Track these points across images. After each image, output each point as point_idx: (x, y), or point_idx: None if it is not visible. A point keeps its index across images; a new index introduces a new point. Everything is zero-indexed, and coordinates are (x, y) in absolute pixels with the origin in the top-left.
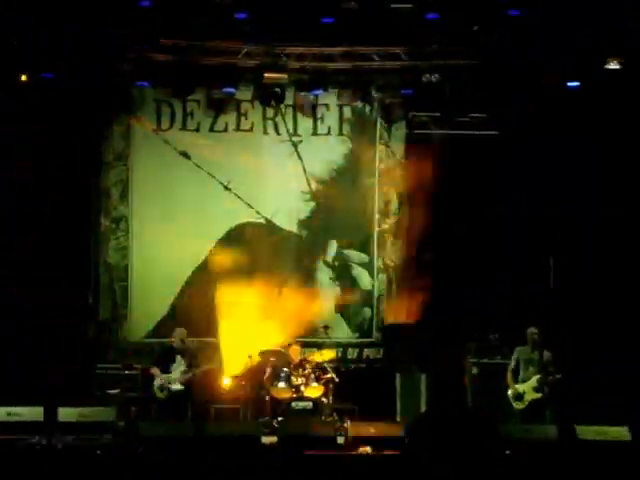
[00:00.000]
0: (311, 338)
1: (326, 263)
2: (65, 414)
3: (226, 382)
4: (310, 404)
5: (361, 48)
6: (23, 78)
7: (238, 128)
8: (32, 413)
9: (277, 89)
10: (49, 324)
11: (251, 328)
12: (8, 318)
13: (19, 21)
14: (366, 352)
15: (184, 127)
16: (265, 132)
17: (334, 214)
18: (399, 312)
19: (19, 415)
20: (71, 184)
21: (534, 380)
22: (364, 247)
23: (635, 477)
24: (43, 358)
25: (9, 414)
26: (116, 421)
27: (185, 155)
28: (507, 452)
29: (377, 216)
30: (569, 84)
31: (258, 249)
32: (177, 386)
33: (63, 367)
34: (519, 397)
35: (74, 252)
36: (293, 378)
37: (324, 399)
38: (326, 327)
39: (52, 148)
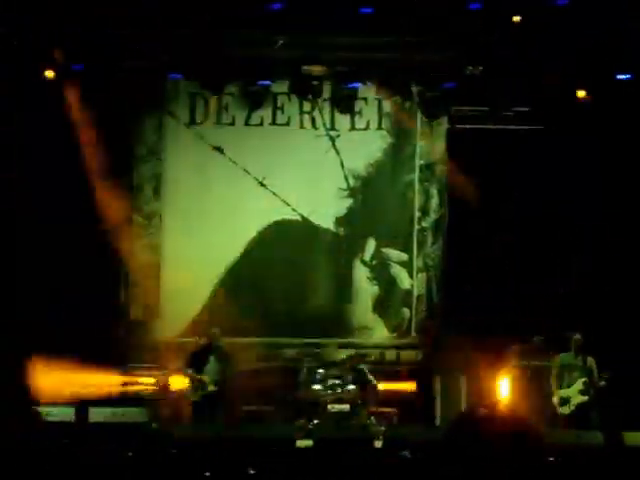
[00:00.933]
0: (348, 339)
1: (364, 262)
2: (96, 414)
3: None
4: (347, 406)
5: (401, 39)
6: (49, 75)
7: (274, 122)
8: (63, 413)
9: (314, 82)
10: (79, 323)
11: None
12: (39, 317)
13: (51, 12)
14: (405, 354)
15: (218, 121)
16: (302, 126)
17: (373, 211)
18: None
19: (50, 415)
20: (102, 179)
21: (580, 383)
22: (403, 245)
23: None
24: (74, 357)
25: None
26: (148, 422)
27: (219, 150)
28: (550, 459)
29: (417, 214)
30: (619, 76)
31: (294, 247)
32: (211, 387)
33: (94, 367)
34: (564, 402)
35: (105, 249)
36: (329, 380)
37: (361, 402)
38: (364, 328)
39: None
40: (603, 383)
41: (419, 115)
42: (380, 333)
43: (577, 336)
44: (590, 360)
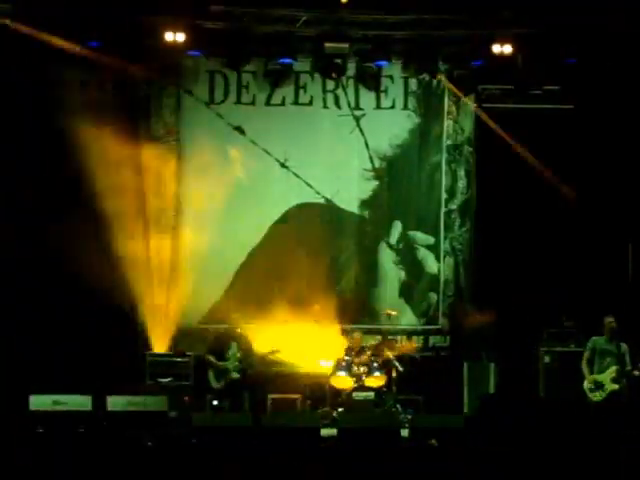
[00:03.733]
0: (374, 325)
1: (390, 245)
2: (114, 403)
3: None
4: (372, 394)
5: (428, 16)
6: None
7: (296, 102)
8: (80, 402)
9: (338, 60)
10: (98, 309)
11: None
12: (57, 304)
13: None
14: (432, 340)
15: (239, 100)
16: (325, 106)
17: (398, 193)
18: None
19: (66, 404)
20: (119, 161)
21: (612, 370)
22: (430, 229)
23: None
24: (92, 345)
25: (55, 403)
26: (168, 411)
27: (239, 130)
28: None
29: (444, 195)
30: None
31: (317, 231)
32: (234, 375)
33: (113, 354)
34: (597, 388)
35: (124, 234)
36: (354, 367)
37: (387, 389)
38: (389, 313)
39: (98, 121)
40: (637, 373)
41: (446, 93)
42: (407, 319)
43: (610, 318)
44: (624, 347)
